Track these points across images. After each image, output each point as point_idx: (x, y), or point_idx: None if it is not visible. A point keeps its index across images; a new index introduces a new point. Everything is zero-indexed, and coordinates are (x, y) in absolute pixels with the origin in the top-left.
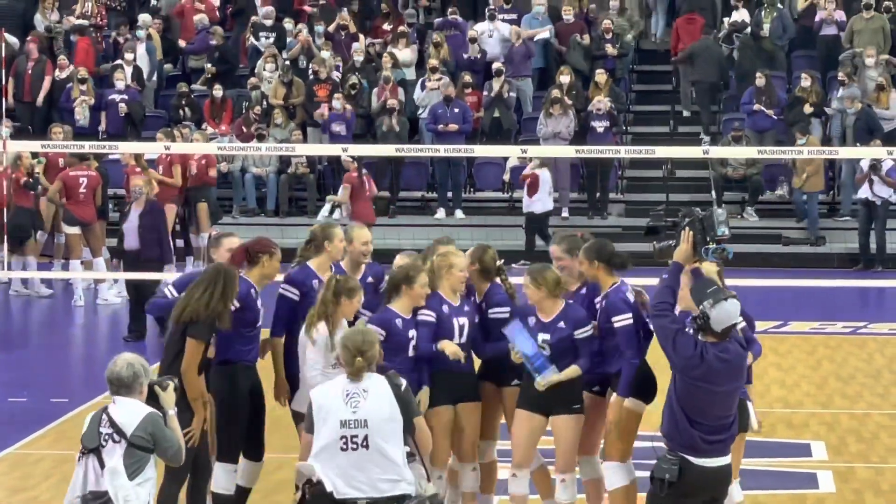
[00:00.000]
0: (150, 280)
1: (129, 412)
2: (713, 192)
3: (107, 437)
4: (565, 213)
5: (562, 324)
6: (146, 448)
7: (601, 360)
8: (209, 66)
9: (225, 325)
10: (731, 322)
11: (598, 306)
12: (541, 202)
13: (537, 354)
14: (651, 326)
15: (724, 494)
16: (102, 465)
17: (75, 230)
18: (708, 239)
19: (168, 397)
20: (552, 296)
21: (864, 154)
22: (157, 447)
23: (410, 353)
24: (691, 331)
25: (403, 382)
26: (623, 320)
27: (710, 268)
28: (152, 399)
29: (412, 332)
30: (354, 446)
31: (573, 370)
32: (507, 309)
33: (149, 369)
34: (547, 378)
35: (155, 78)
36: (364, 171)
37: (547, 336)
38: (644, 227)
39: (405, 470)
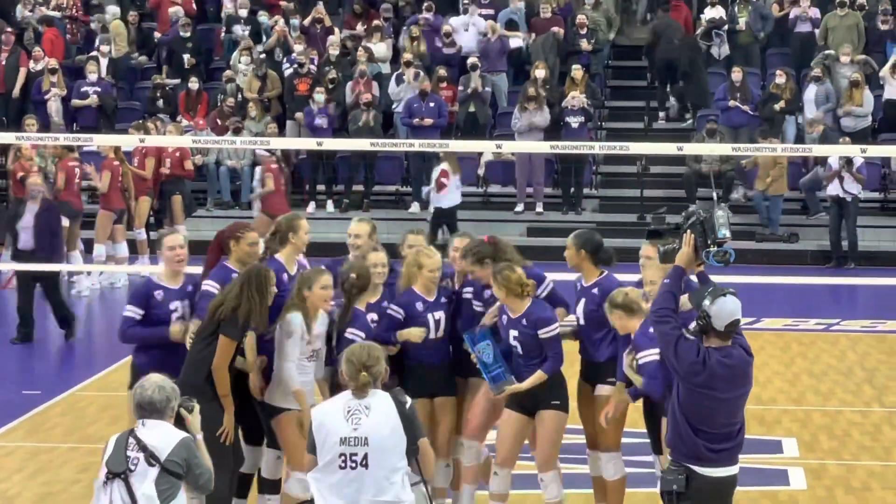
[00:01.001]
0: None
1: (162, 436)
2: (714, 191)
3: (136, 461)
4: (539, 209)
5: (525, 322)
6: (179, 474)
7: (592, 350)
8: (188, 56)
9: (258, 325)
10: (732, 318)
11: (578, 294)
12: (448, 197)
13: (495, 364)
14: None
15: (730, 502)
16: (129, 491)
17: (66, 221)
18: (709, 241)
19: (195, 420)
20: (515, 295)
21: (837, 152)
22: (189, 474)
23: None
24: (693, 336)
25: (409, 400)
26: None
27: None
28: (178, 423)
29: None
30: (353, 465)
31: (537, 377)
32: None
33: (177, 391)
34: (499, 388)
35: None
36: (282, 163)
37: (516, 333)
38: (646, 229)
39: (405, 492)
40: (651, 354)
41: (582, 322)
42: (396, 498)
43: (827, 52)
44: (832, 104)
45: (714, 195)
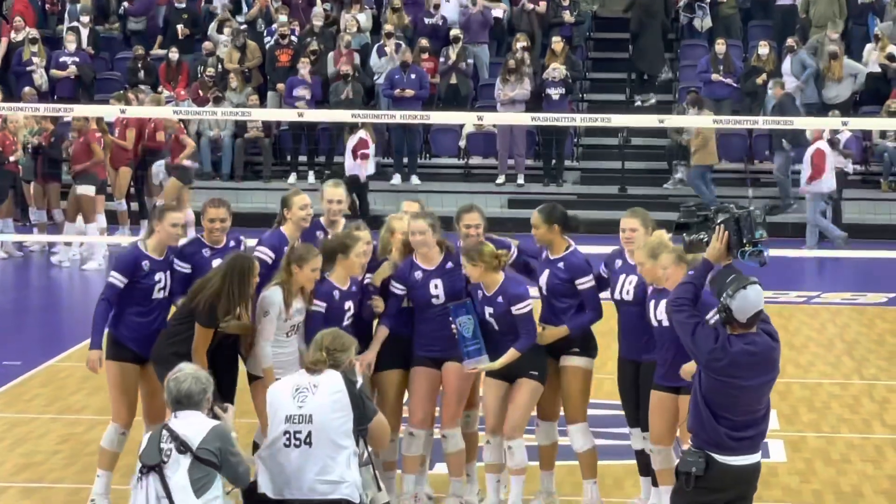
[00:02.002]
0: None
1: (193, 425)
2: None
3: (168, 452)
4: (520, 181)
5: (500, 298)
6: (213, 463)
7: (556, 321)
8: (181, 27)
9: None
10: (755, 309)
11: (542, 265)
12: (369, 166)
13: (472, 340)
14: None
15: (753, 491)
16: (164, 484)
17: (91, 190)
18: (744, 241)
19: (230, 419)
20: (491, 269)
21: (820, 125)
22: (224, 464)
23: (345, 323)
24: (716, 324)
25: (360, 380)
26: (587, 282)
27: (663, 237)
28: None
29: (348, 304)
30: (297, 443)
31: (510, 355)
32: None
33: (211, 380)
34: (473, 364)
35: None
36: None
37: (491, 310)
38: (675, 222)
39: (349, 472)
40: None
41: (545, 293)
42: (340, 477)
43: (817, 40)
44: (811, 70)
45: (749, 192)
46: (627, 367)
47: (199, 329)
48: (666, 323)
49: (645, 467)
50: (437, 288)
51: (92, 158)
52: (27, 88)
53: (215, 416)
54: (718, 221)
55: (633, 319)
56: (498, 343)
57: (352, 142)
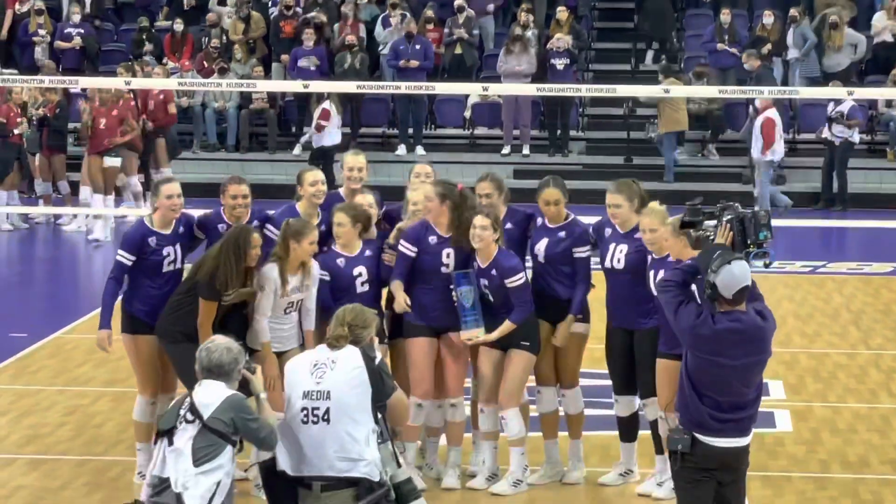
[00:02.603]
0: None
1: (211, 394)
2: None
3: (183, 419)
4: (526, 151)
5: (494, 271)
6: (223, 434)
7: (557, 287)
8: None
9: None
10: (739, 285)
11: (540, 233)
12: (329, 136)
13: (471, 311)
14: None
15: (742, 470)
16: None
17: (118, 162)
18: (749, 242)
19: (258, 381)
20: (495, 242)
21: (824, 94)
22: (245, 431)
23: (359, 290)
24: (702, 303)
25: (378, 355)
26: (585, 251)
27: (656, 208)
28: (242, 386)
29: (359, 269)
30: (315, 419)
31: (505, 327)
32: None
33: (243, 352)
34: (468, 334)
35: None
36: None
37: (486, 282)
38: (681, 220)
39: (368, 450)
40: None
41: (541, 260)
42: (360, 455)
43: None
44: (812, 42)
45: (755, 190)
46: (618, 336)
47: (202, 303)
48: None
49: (627, 434)
50: (448, 257)
51: (126, 132)
52: (46, 61)
53: (244, 379)
54: (724, 220)
55: (624, 287)
56: (494, 315)
57: (317, 113)
